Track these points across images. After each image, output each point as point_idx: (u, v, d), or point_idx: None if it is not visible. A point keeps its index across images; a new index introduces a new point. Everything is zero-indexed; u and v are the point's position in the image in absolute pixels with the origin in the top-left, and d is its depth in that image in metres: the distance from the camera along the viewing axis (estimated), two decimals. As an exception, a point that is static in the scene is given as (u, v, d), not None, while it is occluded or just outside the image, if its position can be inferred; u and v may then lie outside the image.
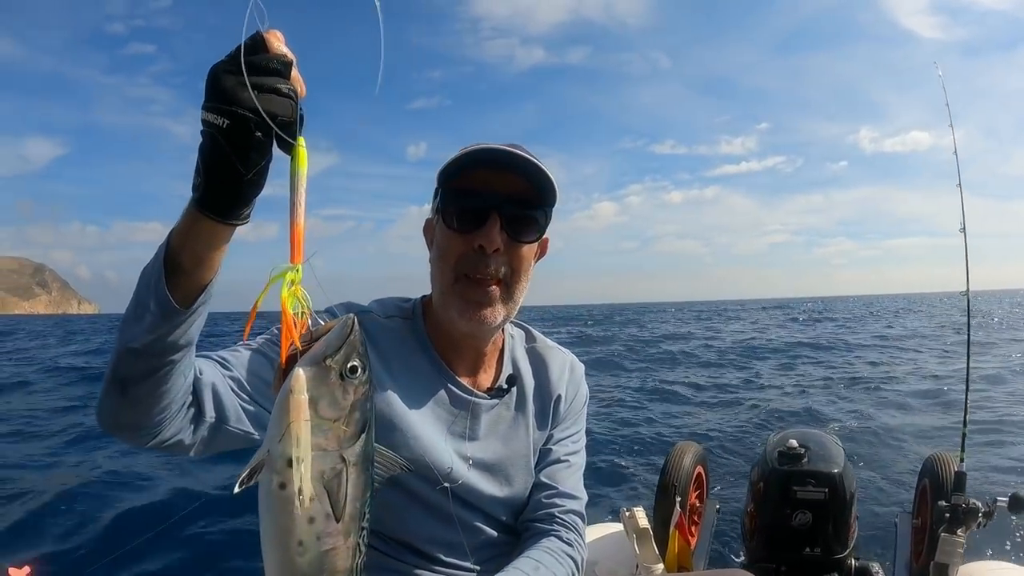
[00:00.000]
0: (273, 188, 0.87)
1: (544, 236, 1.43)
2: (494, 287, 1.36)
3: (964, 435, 2.79)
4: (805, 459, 2.80)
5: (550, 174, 1.34)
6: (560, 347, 1.67)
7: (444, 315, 1.41)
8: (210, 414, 1.11)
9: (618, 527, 2.70)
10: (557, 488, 1.53)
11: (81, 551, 4.39)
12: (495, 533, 1.50)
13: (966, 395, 2.94)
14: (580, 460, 1.62)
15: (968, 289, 3.03)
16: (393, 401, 1.36)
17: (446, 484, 1.38)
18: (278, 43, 0.82)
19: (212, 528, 4.58)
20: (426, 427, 1.39)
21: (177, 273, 0.92)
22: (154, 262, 0.93)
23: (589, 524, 1.62)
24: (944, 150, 3.24)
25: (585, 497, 1.59)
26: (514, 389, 1.53)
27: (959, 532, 2.38)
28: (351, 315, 0.82)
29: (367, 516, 0.82)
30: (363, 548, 0.82)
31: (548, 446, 1.57)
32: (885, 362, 15.30)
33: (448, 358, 1.47)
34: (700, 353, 18.33)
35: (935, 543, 2.41)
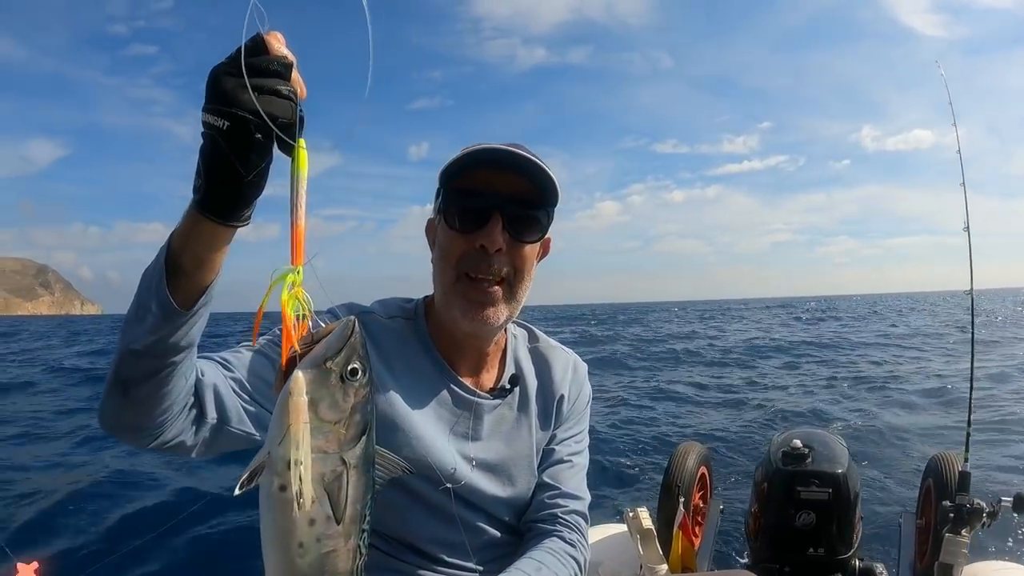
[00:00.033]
0: (274, 188, 0.87)
1: (546, 236, 1.43)
2: (496, 287, 1.36)
3: (968, 435, 2.78)
4: (809, 459, 2.79)
5: (552, 174, 1.34)
6: (563, 347, 1.67)
7: (446, 315, 1.40)
8: (212, 415, 1.11)
9: (622, 528, 2.70)
10: (560, 488, 1.53)
11: (87, 550, 4.41)
12: (498, 533, 1.50)
13: (970, 394, 2.93)
14: (583, 460, 1.62)
15: (972, 288, 3.02)
16: (396, 402, 1.36)
17: (448, 485, 1.38)
18: (278, 45, 0.82)
19: (216, 528, 4.59)
20: (429, 428, 1.39)
21: (178, 275, 0.92)
22: (155, 264, 0.93)
23: (592, 525, 1.62)
24: (946, 148, 3.24)
25: (588, 497, 1.59)
26: (517, 389, 1.52)
27: (963, 532, 2.37)
28: (352, 317, 0.81)
29: (368, 518, 0.82)
30: (364, 550, 0.82)
31: (551, 446, 1.57)
32: (889, 361, 15.27)
33: (451, 358, 1.46)
34: (704, 352, 18.31)
35: (939, 543, 2.40)
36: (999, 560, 2.77)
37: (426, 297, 1.52)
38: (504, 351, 1.56)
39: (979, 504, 2.40)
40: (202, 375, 1.09)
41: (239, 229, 0.91)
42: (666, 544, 2.54)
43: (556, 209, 1.40)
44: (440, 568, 1.42)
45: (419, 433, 1.36)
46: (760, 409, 9.44)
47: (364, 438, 0.80)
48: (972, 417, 2.85)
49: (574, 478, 1.56)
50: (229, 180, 0.83)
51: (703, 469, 3.29)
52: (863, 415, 8.62)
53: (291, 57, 0.83)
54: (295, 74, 0.83)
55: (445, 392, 1.44)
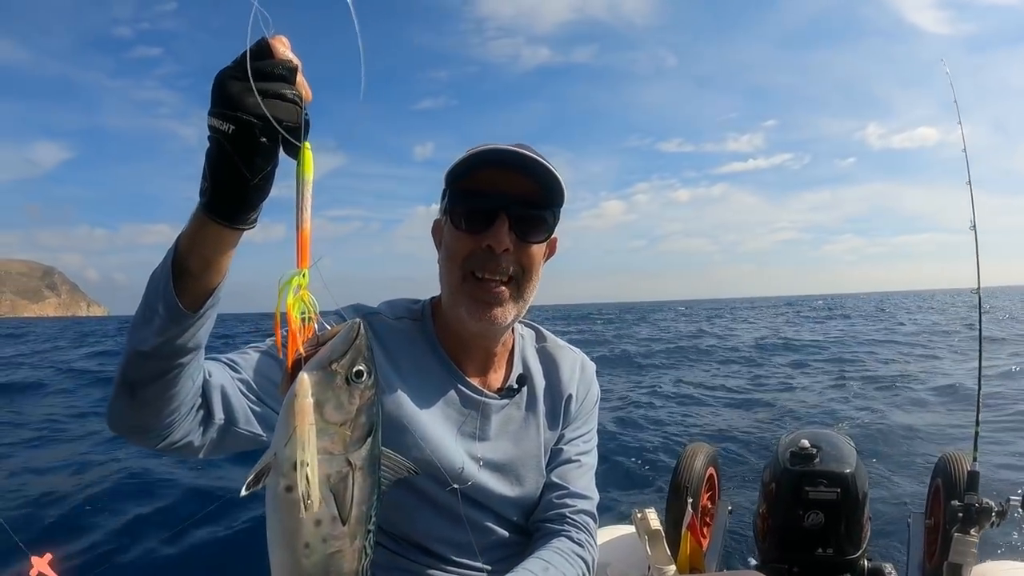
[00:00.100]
0: (280, 189, 0.88)
1: (553, 236, 1.43)
2: (503, 287, 1.37)
3: (977, 434, 2.77)
4: (817, 459, 2.78)
5: (558, 174, 1.34)
6: (570, 346, 1.67)
7: (453, 315, 1.41)
8: (219, 416, 1.12)
9: (630, 529, 2.69)
10: (568, 488, 1.53)
11: (99, 549, 4.44)
12: (506, 533, 1.50)
13: (978, 393, 2.92)
14: (591, 460, 1.62)
15: (979, 285, 3.01)
16: (403, 402, 1.36)
17: (456, 485, 1.38)
18: (283, 49, 0.82)
19: (228, 528, 4.61)
20: (436, 428, 1.39)
21: (185, 277, 0.93)
22: (162, 266, 0.93)
23: (600, 526, 1.61)
24: (951, 146, 3.24)
25: (597, 497, 1.58)
26: (524, 389, 1.53)
27: (972, 532, 2.36)
28: (357, 320, 0.82)
29: (373, 519, 0.82)
30: (369, 551, 0.82)
31: (559, 446, 1.57)
32: (897, 360, 15.20)
33: (458, 359, 1.47)
34: (710, 352, 18.26)
35: (948, 543, 2.39)
36: (1009, 560, 2.76)
37: (433, 298, 1.52)
38: (511, 351, 1.56)
39: (988, 503, 2.39)
40: (209, 376, 1.10)
41: (245, 231, 0.91)
42: (674, 545, 2.54)
43: (562, 209, 1.40)
44: (448, 568, 1.42)
45: (426, 433, 1.36)
46: (768, 408, 9.41)
47: (370, 439, 0.80)
48: (980, 416, 2.83)
49: (582, 478, 1.56)
50: (235, 183, 0.84)
51: (711, 470, 3.28)
52: (871, 414, 8.58)
53: (296, 61, 0.83)
54: (300, 78, 0.84)
55: (452, 392, 1.44)
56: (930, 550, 2.92)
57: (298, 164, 0.83)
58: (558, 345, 1.65)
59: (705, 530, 3.18)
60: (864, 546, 2.78)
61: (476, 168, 1.33)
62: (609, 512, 4.48)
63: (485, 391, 1.47)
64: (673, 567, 2.33)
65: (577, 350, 1.67)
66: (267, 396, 1.19)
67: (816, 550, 2.71)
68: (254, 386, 1.19)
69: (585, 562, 1.47)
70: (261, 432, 1.17)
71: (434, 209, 1.48)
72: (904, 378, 11.82)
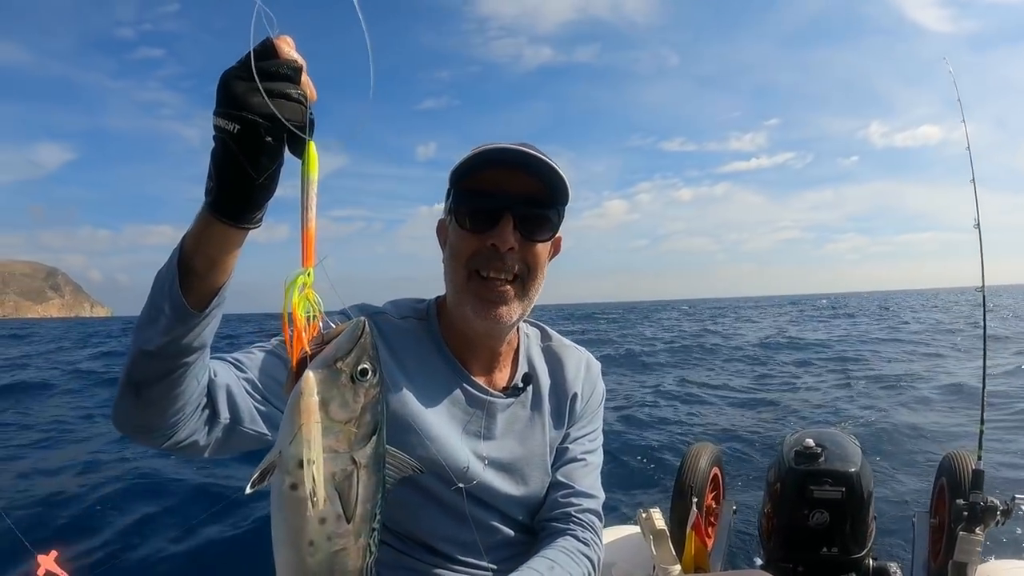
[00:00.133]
0: (284, 189, 0.88)
1: (557, 234, 1.43)
2: (508, 286, 1.37)
3: (981, 432, 2.77)
4: (822, 458, 2.78)
5: (562, 173, 1.34)
6: (576, 345, 1.67)
7: (459, 314, 1.41)
8: (224, 415, 1.12)
9: (634, 529, 2.69)
10: (574, 487, 1.53)
11: (107, 547, 4.46)
12: (512, 532, 1.50)
13: (983, 391, 2.91)
14: (597, 459, 1.62)
15: (983, 284, 3.01)
16: (408, 401, 1.37)
17: (461, 484, 1.38)
18: (288, 48, 0.83)
19: (235, 528, 4.63)
20: (442, 427, 1.39)
21: (191, 276, 0.93)
22: (168, 266, 0.94)
23: (605, 526, 1.61)
24: (955, 144, 3.24)
25: (602, 496, 1.58)
26: (530, 388, 1.53)
27: (977, 530, 2.36)
28: (362, 318, 0.82)
29: (378, 517, 0.82)
30: (374, 549, 0.82)
31: (564, 445, 1.57)
32: (902, 358, 15.18)
33: (463, 358, 1.47)
34: (715, 351, 18.24)
35: (953, 542, 2.39)
36: (1014, 559, 2.76)
37: (438, 298, 1.52)
38: (517, 350, 1.56)
39: (993, 502, 2.38)
40: (215, 376, 1.10)
41: (251, 231, 0.91)
42: (679, 545, 2.54)
43: (566, 208, 1.41)
44: (453, 567, 1.42)
45: (432, 432, 1.36)
46: (773, 407, 9.40)
47: (375, 438, 0.80)
48: (985, 414, 2.83)
49: (588, 477, 1.56)
50: (240, 183, 0.84)
51: (715, 470, 3.28)
52: (876, 413, 8.56)
53: (301, 61, 0.83)
54: (305, 77, 0.84)
55: (458, 391, 1.44)
56: (935, 549, 2.91)
57: (303, 163, 0.83)
58: (563, 344, 1.65)
59: (710, 530, 3.17)
60: (869, 545, 2.77)
61: (480, 168, 1.34)
62: (613, 512, 4.48)
63: (490, 390, 1.48)
64: (678, 567, 2.33)
65: (582, 349, 1.67)
66: (272, 395, 1.19)
67: (821, 549, 2.71)
68: (259, 385, 1.19)
69: (591, 561, 1.47)
70: (266, 431, 1.17)
71: (437, 209, 1.48)
72: (909, 377, 11.80)
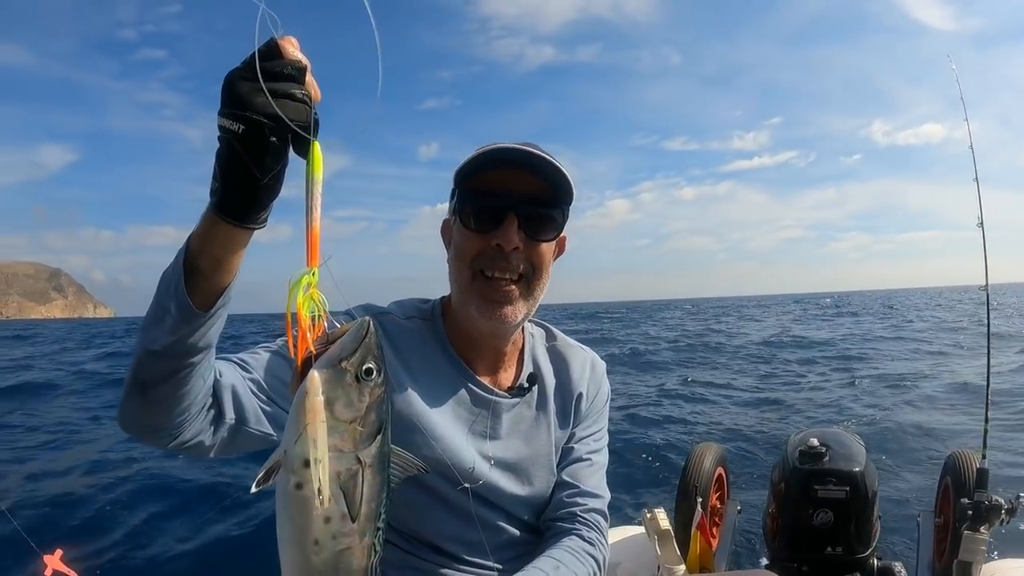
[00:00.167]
0: (288, 189, 0.88)
1: (562, 234, 1.43)
2: (513, 286, 1.37)
3: (986, 431, 2.76)
4: (826, 458, 2.78)
5: (566, 172, 1.34)
6: (581, 345, 1.67)
7: (463, 314, 1.41)
8: (230, 416, 1.12)
9: (639, 529, 2.69)
10: (579, 487, 1.53)
11: (115, 546, 4.49)
12: (517, 532, 1.50)
13: (987, 390, 2.91)
14: (602, 459, 1.62)
15: (987, 283, 3.00)
16: (414, 401, 1.37)
17: (467, 484, 1.38)
18: (292, 49, 0.83)
19: (241, 527, 4.64)
20: (447, 427, 1.39)
21: (196, 277, 0.93)
22: (174, 266, 0.94)
23: (610, 526, 1.61)
24: (958, 142, 3.23)
25: (608, 496, 1.58)
26: (535, 388, 1.53)
27: (982, 530, 2.35)
28: (367, 318, 0.82)
29: (383, 516, 0.82)
30: (379, 548, 0.83)
31: (570, 445, 1.57)
32: (906, 357, 15.15)
33: (468, 358, 1.47)
34: (719, 350, 18.23)
35: (958, 541, 2.38)
36: (1019, 558, 2.75)
37: (443, 298, 1.52)
38: (522, 350, 1.56)
39: (998, 501, 2.38)
40: (220, 376, 1.10)
41: (256, 231, 0.92)
42: (684, 545, 2.54)
43: (571, 207, 1.41)
44: (459, 566, 1.42)
45: (437, 432, 1.36)
46: (777, 407, 9.38)
47: (379, 437, 0.80)
48: (989, 413, 2.82)
49: (593, 476, 1.56)
50: (245, 183, 0.84)
51: (720, 470, 3.28)
52: (880, 412, 8.55)
53: (305, 61, 0.84)
54: (309, 77, 0.84)
55: (463, 391, 1.44)
56: (940, 548, 2.91)
57: (308, 163, 0.83)
58: (568, 344, 1.64)
59: (715, 530, 3.17)
60: (874, 544, 2.77)
61: (484, 167, 1.34)
62: (618, 512, 4.48)
63: (496, 390, 1.48)
64: (683, 567, 2.33)
65: (587, 348, 1.67)
66: (278, 396, 1.19)
67: (826, 549, 2.71)
68: (264, 386, 1.19)
69: (596, 561, 1.46)
70: (272, 432, 1.17)
71: (440, 209, 1.48)
72: (913, 375, 11.78)
